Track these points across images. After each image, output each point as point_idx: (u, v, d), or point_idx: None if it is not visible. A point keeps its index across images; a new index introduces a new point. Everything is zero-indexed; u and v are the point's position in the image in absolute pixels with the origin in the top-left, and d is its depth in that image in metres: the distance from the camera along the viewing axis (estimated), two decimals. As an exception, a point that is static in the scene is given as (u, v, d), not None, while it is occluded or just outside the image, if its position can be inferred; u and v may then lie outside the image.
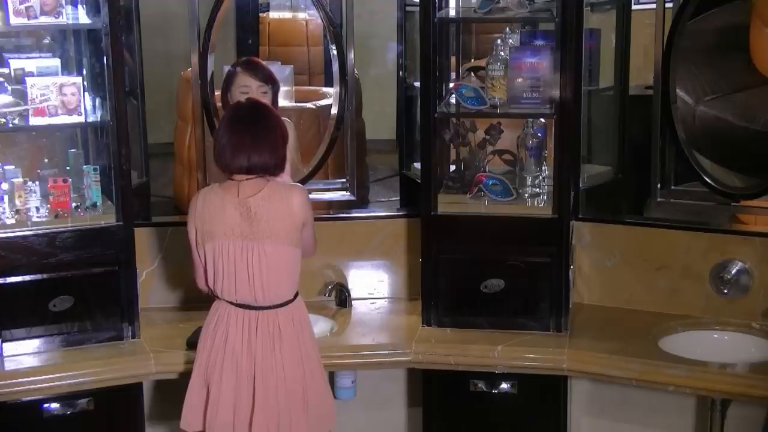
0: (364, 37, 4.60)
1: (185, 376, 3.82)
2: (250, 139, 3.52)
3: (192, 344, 3.94)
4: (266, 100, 3.92)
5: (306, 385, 3.60)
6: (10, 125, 3.89)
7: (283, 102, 4.43)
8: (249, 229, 3.53)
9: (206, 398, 3.60)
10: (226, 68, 4.36)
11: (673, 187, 4.30)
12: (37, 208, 4.00)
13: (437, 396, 4.05)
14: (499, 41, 4.10)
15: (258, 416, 3.55)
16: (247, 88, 4.01)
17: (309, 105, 4.75)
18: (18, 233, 3.89)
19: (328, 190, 4.54)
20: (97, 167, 4.06)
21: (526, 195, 4.19)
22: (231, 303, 3.59)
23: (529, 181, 4.21)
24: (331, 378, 4.24)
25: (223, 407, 3.56)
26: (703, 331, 4.09)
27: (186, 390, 3.66)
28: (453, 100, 4.14)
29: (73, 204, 4.04)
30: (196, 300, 4.34)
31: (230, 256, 3.54)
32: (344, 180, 4.47)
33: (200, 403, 3.62)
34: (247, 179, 3.55)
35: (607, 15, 4.47)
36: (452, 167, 4.36)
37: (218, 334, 3.59)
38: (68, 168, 4.13)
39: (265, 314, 3.57)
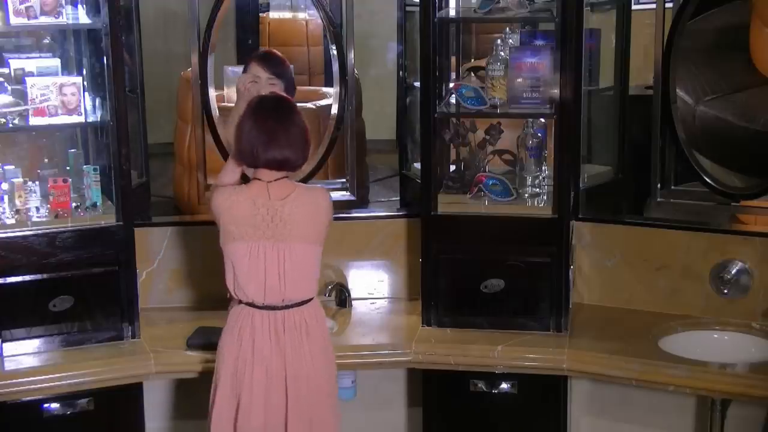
0: (364, 37, 4.60)
1: (187, 375, 3.82)
2: (282, 133, 3.51)
3: (193, 345, 3.94)
4: (276, 91, 3.95)
5: (330, 376, 3.64)
6: (10, 125, 3.89)
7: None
8: (281, 230, 3.52)
9: (236, 406, 3.57)
10: (227, 68, 4.38)
11: (673, 187, 4.30)
12: (37, 208, 3.99)
13: (437, 396, 4.05)
14: (499, 41, 4.10)
15: (292, 415, 3.55)
16: (258, 78, 4.05)
17: (309, 105, 4.74)
18: (18, 233, 3.89)
19: (328, 190, 4.50)
20: (97, 167, 4.06)
21: (526, 195, 4.19)
22: (254, 306, 3.57)
23: (529, 181, 4.21)
24: (331, 378, 4.25)
25: (255, 412, 3.54)
26: (703, 331, 4.09)
27: (210, 402, 3.61)
28: (453, 100, 4.14)
29: (73, 204, 4.04)
30: (196, 300, 4.36)
31: (260, 259, 3.52)
32: (344, 180, 4.47)
33: (231, 414, 3.57)
34: (275, 180, 3.54)
35: (607, 15, 4.47)
36: (452, 167, 4.36)
37: (244, 341, 3.56)
38: (68, 168, 4.13)
39: (291, 312, 3.57)
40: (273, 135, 3.50)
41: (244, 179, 3.70)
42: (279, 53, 4.27)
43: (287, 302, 3.57)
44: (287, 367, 3.55)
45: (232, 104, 4.60)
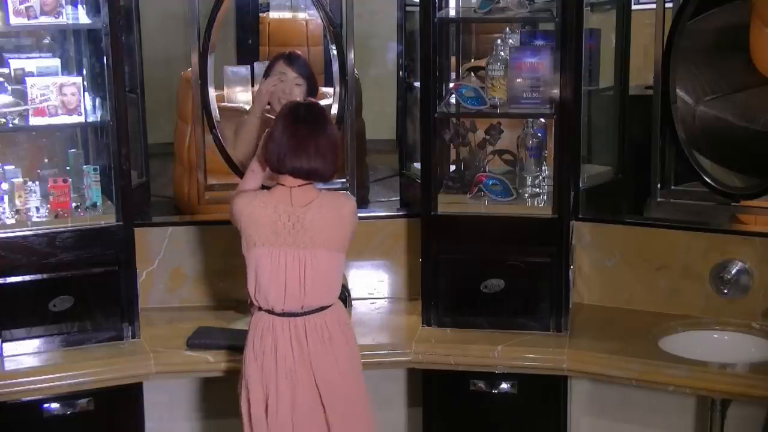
0: (364, 37, 4.60)
1: (187, 375, 3.82)
2: (312, 143, 3.46)
3: (193, 345, 3.94)
4: (299, 92, 4.03)
5: (357, 380, 3.64)
6: (10, 125, 3.89)
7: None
8: (302, 237, 3.48)
9: (266, 424, 3.53)
10: (227, 68, 4.38)
11: (673, 187, 4.30)
12: (37, 208, 3.99)
13: (437, 396, 4.05)
14: (499, 41, 4.09)
15: (334, 425, 3.53)
16: (284, 75, 4.16)
17: (309, 105, 4.74)
18: (18, 233, 3.89)
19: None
20: (97, 167, 4.06)
21: (526, 195, 4.19)
22: (274, 313, 3.54)
23: (529, 181, 4.21)
24: (331, 378, 4.25)
25: (281, 422, 3.51)
26: (703, 331, 4.09)
27: (241, 412, 3.58)
28: (453, 100, 4.14)
29: (73, 204, 4.04)
30: (196, 300, 4.36)
31: (281, 265, 3.49)
32: (344, 180, 4.47)
33: (263, 426, 3.54)
34: (299, 186, 3.51)
35: (607, 15, 4.47)
36: (452, 167, 4.36)
37: (267, 349, 3.52)
38: (68, 168, 4.13)
39: (312, 318, 3.54)
40: (302, 143, 3.46)
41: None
42: (303, 55, 4.33)
43: (306, 308, 3.53)
44: (315, 375, 3.52)
45: (233, 104, 4.62)
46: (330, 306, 3.59)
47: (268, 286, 3.50)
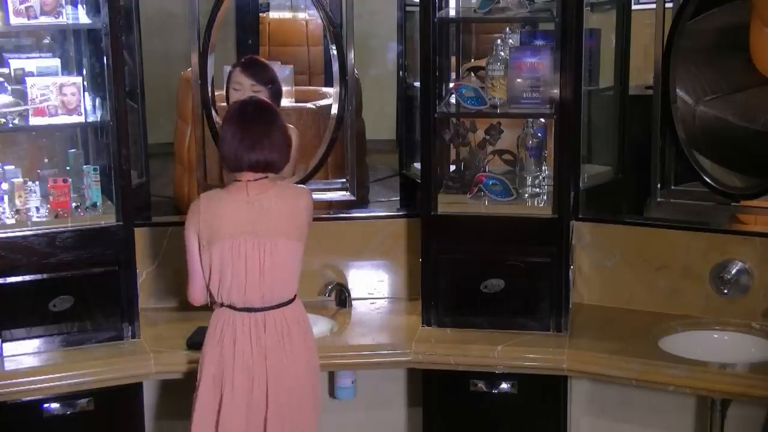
0: (364, 37, 4.60)
1: (187, 375, 3.82)
2: (263, 136, 3.54)
3: (192, 345, 3.94)
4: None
5: (314, 381, 3.66)
6: (10, 125, 3.89)
7: (283, 102, 4.44)
8: (261, 225, 3.55)
9: (218, 410, 3.59)
10: (227, 68, 4.37)
11: (673, 187, 4.30)
12: (37, 208, 3.99)
13: (437, 396, 4.05)
14: (499, 41, 4.09)
15: (272, 418, 3.56)
16: (240, 85, 4.15)
17: (309, 105, 4.75)
18: (18, 233, 3.89)
19: (328, 190, 4.53)
20: (97, 167, 4.06)
21: (526, 195, 4.19)
22: (234, 308, 3.59)
23: (529, 181, 4.21)
24: (331, 378, 4.24)
25: (236, 414, 3.56)
26: (703, 331, 4.09)
27: (192, 404, 3.64)
28: (453, 100, 4.14)
29: (73, 204, 4.04)
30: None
31: (241, 254, 3.55)
32: (344, 180, 4.47)
33: (213, 416, 3.59)
34: (255, 180, 3.57)
35: (607, 15, 4.47)
36: (452, 167, 4.36)
37: (225, 343, 3.58)
38: (68, 168, 4.13)
39: (272, 314, 3.59)
40: (255, 138, 3.53)
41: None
42: (263, 60, 4.29)
43: (267, 303, 3.59)
44: (268, 369, 3.57)
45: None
46: (290, 302, 3.63)
47: (230, 279, 3.56)
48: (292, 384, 3.60)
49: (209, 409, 3.60)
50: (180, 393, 4.16)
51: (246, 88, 4.15)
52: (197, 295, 3.67)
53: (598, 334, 4.04)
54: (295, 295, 3.67)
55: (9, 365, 3.84)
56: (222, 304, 3.62)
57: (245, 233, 3.55)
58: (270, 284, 3.57)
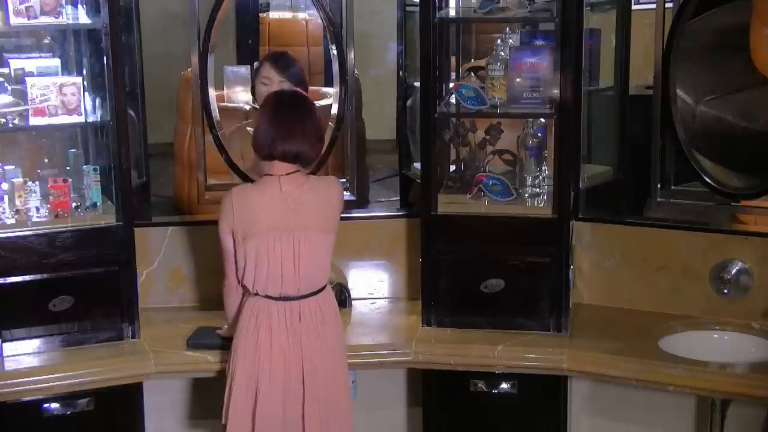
0: (364, 37, 4.60)
1: (186, 376, 3.82)
2: (298, 128, 3.58)
3: (193, 345, 3.94)
4: None
5: (344, 363, 3.72)
6: (10, 125, 3.90)
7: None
8: (295, 220, 3.59)
9: (255, 398, 3.60)
10: (227, 68, 4.37)
11: (673, 187, 4.30)
12: (37, 208, 4.00)
13: (437, 396, 4.05)
14: (499, 41, 4.10)
15: (309, 406, 3.60)
16: (269, 80, 4.21)
17: (309, 105, 4.74)
18: (18, 233, 3.89)
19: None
20: (97, 167, 4.06)
21: (526, 195, 4.19)
22: (270, 298, 3.62)
23: (529, 181, 4.21)
24: (331, 378, 4.25)
25: (274, 401, 3.59)
26: (703, 331, 4.09)
27: (226, 395, 3.65)
28: (453, 100, 4.14)
29: (73, 204, 4.04)
30: (196, 300, 4.36)
31: (276, 250, 3.58)
32: (344, 180, 4.47)
33: (249, 405, 3.60)
34: (287, 174, 3.60)
35: (607, 15, 4.47)
36: (452, 167, 4.36)
37: (261, 332, 3.60)
38: (68, 168, 4.13)
39: (307, 302, 3.64)
40: (290, 128, 3.57)
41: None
42: (290, 55, 4.33)
43: (302, 292, 3.62)
44: (303, 356, 3.60)
45: (233, 104, 4.62)
46: (322, 290, 3.68)
47: (266, 273, 3.59)
48: (327, 366, 3.63)
49: (246, 398, 3.60)
50: (180, 393, 4.17)
51: (275, 82, 4.20)
52: (232, 278, 3.70)
53: (598, 334, 4.05)
54: (327, 284, 3.72)
55: (9, 365, 3.84)
56: (257, 293, 3.63)
57: (280, 229, 3.59)
58: (305, 276, 3.62)
